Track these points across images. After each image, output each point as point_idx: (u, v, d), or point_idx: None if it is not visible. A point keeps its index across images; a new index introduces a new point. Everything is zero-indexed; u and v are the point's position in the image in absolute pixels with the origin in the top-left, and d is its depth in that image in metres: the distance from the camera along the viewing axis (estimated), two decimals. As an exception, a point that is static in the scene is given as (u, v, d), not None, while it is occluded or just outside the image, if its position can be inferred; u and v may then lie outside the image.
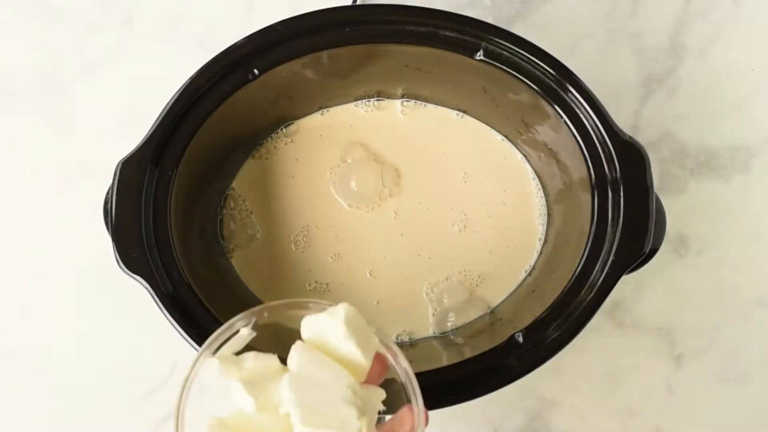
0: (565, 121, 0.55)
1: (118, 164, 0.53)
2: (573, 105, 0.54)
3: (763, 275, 0.67)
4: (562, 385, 0.66)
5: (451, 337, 0.60)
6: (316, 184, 0.63)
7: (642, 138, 0.68)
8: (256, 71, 0.55)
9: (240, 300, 0.60)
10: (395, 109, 0.64)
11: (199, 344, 0.51)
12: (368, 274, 0.61)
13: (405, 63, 0.59)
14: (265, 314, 0.43)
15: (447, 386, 0.51)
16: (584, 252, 0.53)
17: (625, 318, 0.67)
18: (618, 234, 0.52)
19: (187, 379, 0.41)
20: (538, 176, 0.63)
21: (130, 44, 0.71)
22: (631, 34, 0.70)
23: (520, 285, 0.61)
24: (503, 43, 0.55)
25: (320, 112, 0.64)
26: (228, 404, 0.41)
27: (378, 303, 0.61)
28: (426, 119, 0.64)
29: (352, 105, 0.64)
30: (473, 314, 0.60)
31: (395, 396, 0.42)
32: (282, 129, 0.64)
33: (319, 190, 0.63)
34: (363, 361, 0.39)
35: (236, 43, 0.55)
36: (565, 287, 0.53)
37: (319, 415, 0.37)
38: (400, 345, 0.60)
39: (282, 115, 0.63)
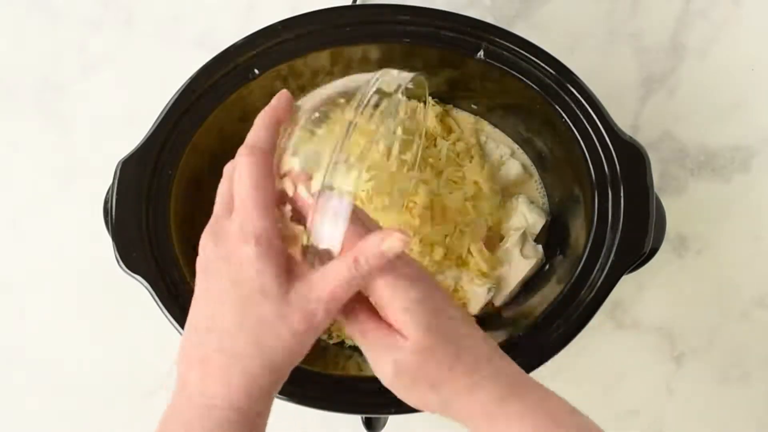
0: (565, 121, 0.55)
1: (118, 164, 0.53)
2: (573, 105, 0.54)
3: (763, 275, 0.67)
4: (562, 384, 0.66)
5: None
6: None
7: (642, 138, 0.68)
8: (256, 71, 0.55)
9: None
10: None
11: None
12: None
13: (408, 63, 0.59)
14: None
15: (447, 386, 0.51)
16: (584, 252, 0.53)
17: (625, 318, 0.67)
18: (618, 234, 0.52)
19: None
20: (540, 176, 0.63)
21: (130, 44, 0.71)
22: (631, 34, 0.70)
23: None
24: (503, 43, 0.55)
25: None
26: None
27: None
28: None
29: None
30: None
31: None
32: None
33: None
34: None
35: (236, 43, 0.55)
36: (565, 287, 0.53)
37: None
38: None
39: (282, 115, 0.63)
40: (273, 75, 0.56)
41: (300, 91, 0.61)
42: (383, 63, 0.59)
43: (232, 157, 0.62)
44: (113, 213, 0.52)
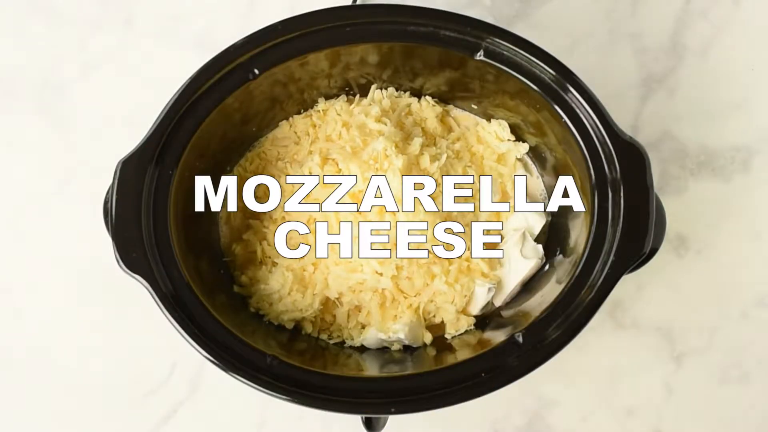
0: (565, 121, 0.55)
1: (118, 164, 0.53)
2: (573, 105, 0.54)
3: (763, 275, 0.67)
4: (562, 385, 0.66)
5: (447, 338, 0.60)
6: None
7: (642, 138, 0.68)
8: (256, 71, 0.55)
9: (239, 301, 0.60)
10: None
11: (199, 344, 0.51)
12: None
13: (405, 63, 0.59)
14: None
15: (447, 386, 0.51)
16: (584, 252, 0.53)
17: (625, 318, 0.67)
18: (618, 234, 0.52)
19: None
20: (540, 175, 0.63)
21: (130, 44, 0.71)
22: (631, 34, 0.71)
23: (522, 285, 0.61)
24: (503, 43, 0.55)
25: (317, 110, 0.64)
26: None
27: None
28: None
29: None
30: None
31: None
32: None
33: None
34: None
35: (236, 43, 0.55)
36: (565, 287, 0.53)
37: None
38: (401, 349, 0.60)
39: (282, 114, 0.63)
40: (273, 75, 0.56)
41: (299, 93, 0.61)
42: (383, 63, 0.59)
43: (233, 157, 0.63)
44: (113, 213, 0.52)
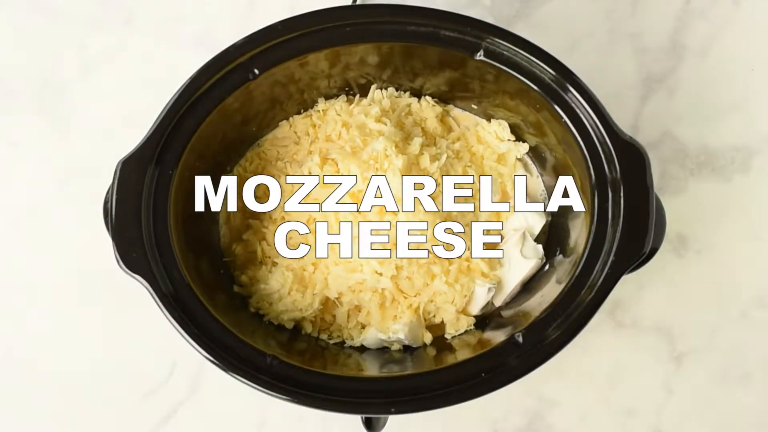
0: (565, 121, 0.55)
1: (118, 164, 0.53)
2: (573, 105, 0.54)
3: (763, 275, 0.67)
4: (562, 385, 0.66)
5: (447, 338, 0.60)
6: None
7: (642, 138, 0.68)
8: (256, 71, 0.55)
9: (239, 301, 0.60)
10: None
11: (199, 344, 0.51)
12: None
13: (405, 63, 0.59)
14: None
15: (447, 386, 0.51)
16: (584, 252, 0.53)
17: (625, 318, 0.67)
18: (618, 234, 0.52)
19: None
20: (539, 175, 0.63)
21: (130, 44, 0.71)
22: (631, 34, 0.71)
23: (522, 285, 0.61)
24: (503, 43, 0.55)
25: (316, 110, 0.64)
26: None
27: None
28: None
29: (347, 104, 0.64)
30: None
31: None
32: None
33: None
34: None
35: (236, 43, 0.55)
36: (565, 287, 0.53)
37: None
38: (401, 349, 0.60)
39: (282, 114, 0.63)
40: (273, 75, 0.56)
41: (299, 93, 0.61)
42: (383, 63, 0.59)
43: (233, 157, 0.62)
44: (113, 213, 0.52)
